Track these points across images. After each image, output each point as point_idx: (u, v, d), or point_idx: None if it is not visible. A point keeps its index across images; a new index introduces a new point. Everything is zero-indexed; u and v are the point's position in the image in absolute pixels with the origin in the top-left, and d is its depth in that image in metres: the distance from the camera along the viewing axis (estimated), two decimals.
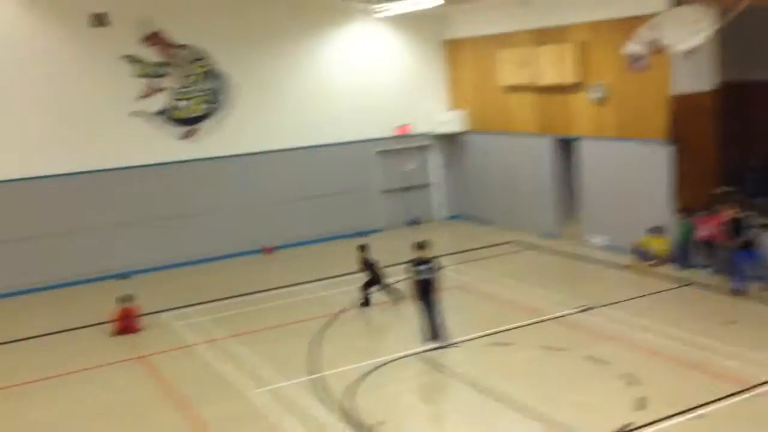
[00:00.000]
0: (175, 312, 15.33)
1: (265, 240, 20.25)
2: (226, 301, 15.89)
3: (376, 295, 14.74)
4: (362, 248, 14.95)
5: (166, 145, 19.20)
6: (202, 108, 19.66)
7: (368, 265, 14.78)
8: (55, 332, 14.67)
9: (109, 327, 14.35)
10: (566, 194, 19.40)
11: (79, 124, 18.22)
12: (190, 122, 19.55)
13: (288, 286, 16.66)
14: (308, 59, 20.78)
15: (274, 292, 15.88)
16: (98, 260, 18.43)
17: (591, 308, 13.75)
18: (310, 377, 11.49)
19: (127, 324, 14.26)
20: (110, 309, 14.54)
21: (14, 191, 17.58)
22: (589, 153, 18.15)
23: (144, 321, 14.56)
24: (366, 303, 14.75)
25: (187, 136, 19.52)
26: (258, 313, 15.03)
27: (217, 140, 19.78)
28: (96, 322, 14.79)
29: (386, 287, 14.79)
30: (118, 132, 18.61)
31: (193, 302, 15.88)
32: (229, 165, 19.94)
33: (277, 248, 20.35)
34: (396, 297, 14.68)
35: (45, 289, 17.74)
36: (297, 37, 20.58)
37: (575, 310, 13.72)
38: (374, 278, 14.73)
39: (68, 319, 15.28)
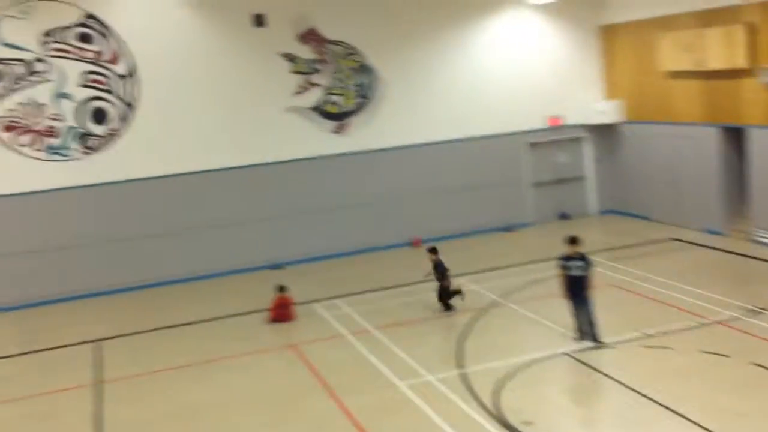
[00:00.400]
0: (327, 302, 15.76)
1: (412, 233, 20.39)
2: (375, 293, 16.14)
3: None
4: (433, 251, 14.69)
5: (319, 140, 19.78)
6: (353, 102, 20.08)
7: (440, 268, 14.45)
8: (214, 319, 15.51)
9: (265, 315, 14.99)
10: (734, 188, 18.09)
11: (241, 121, 19.15)
12: (341, 117, 20.03)
13: (435, 280, 16.65)
14: (457, 50, 20.64)
15: (422, 285, 15.95)
16: (255, 251, 19.29)
17: (761, 312, 12.72)
18: (457, 372, 11.43)
19: (282, 313, 14.84)
20: (266, 298, 15.19)
21: (180, 185, 18.75)
22: (760, 143, 16.79)
23: (298, 310, 15.09)
24: (448, 307, 14.44)
25: (338, 130, 20.02)
26: (406, 306, 15.14)
27: (367, 134, 20.13)
28: (252, 310, 15.50)
29: (449, 294, 14.40)
30: (276, 127, 19.39)
31: (343, 293, 16.25)
32: (378, 158, 20.23)
33: (426, 241, 20.42)
34: (447, 308, 14.36)
35: (206, 277, 18.82)
36: (446, 27, 20.50)
37: (742, 313, 12.74)
38: (442, 283, 14.41)
39: (226, 307, 16.13)
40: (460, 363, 11.79)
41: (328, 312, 15.14)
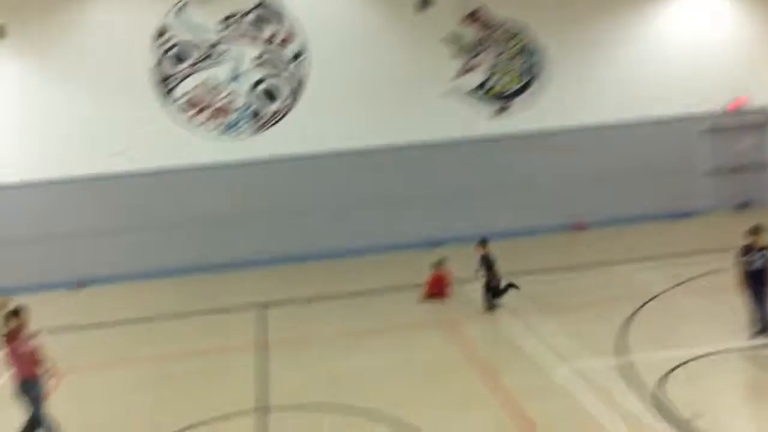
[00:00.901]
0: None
1: (574, 217, 19.72)
2: (535, 276, 15.77)
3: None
4: (483, 243, 13.84)
5: (480, 121, 19.56)
6: (516, 83, 19.67)
7: (487, 262, 13.65)
8: (372, 292, 15.81)
9: (421, 291, 15.08)
10: None
11: (403, 99, 19.32)
12: (504, 98, 19.68)
13: (599, 266, 16.05)
14: (631, 28, 19.68)
15: (583, 270, 15.40)
16: (414, 228, 19.48)
17: None
18: (617, 360, 10.92)
19: (438, 289, 14.86)
20: (424, 274, 15.27)
21: (344, 162, 19.26)
22: None
23: (454, 288, 15.05)
24: (492, 306, 13.71)
25: (500, 111, 19.69)
26: (566, 290, 14.68)
27: (530, 115, 19.67)
28: (410, 285, 15.64)
29: (498, 291, 13.66)
30: (437, 107, 19.39)
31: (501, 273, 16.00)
32: (541, 140, 19.70)
33: (589, 226, 19.70)
34: (491, 307, 13.60)
35: (366, 252, 19.21)
36: (620, 5, 19.56)
37: None
38: (490, 277, 13.64)
39: (384, 281, 16.39)
40: (622, 352, 11.24)
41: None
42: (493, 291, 13.74)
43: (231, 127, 18.90)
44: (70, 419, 10.52)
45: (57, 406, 10.96)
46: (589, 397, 9.77)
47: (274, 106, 19.01)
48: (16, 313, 9.62)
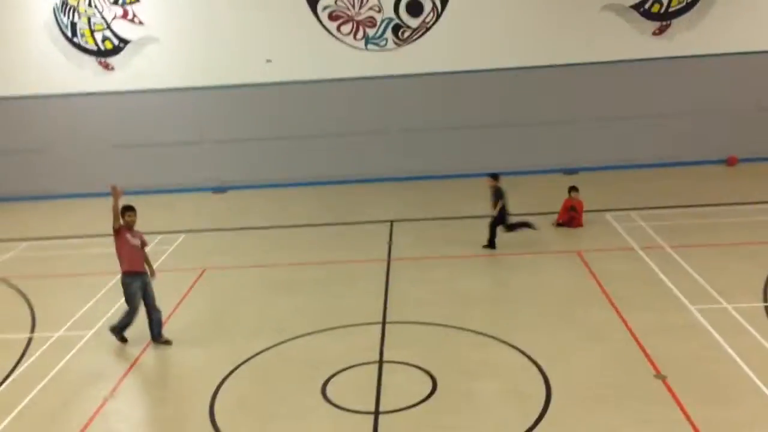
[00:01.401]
0: (619, 213, 14.95)
1: (729, 150, 18.33)
2: (674, 210, 14.92)
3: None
4: (494, 177, 13.25)
5: (636, 42, 18.31)
6: (680, 1, 18.13)
7: (499, 196, 13.04)
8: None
9: (552, 218, 14.66)
10: None
11: (553, 18, 18.40)
12: (665, 17, 18.25)
13: (750, 203, 14.92)
14: None
15: (731, 207, 14.36)
16: (549, 153, 18.87)
17: None
18: (760, 304, 10.20)
19: (570, 216, 14.40)
20: (556, 201, 14.82)
21: (484, 81, 18.76)
22: None
23: (587, 217, 14.52)
24: (491, 245, 13.23)
25: (660, 31, 18.30)
26: (709, 228, 13.80)
27: (692, 37, 18.17)
28: (540, 212, 15.25)
29: (511, 226, 13.17)
30: (590, 26, 18.32)
31: (638, 206, 15.28)
32: (703, 65, 18.23)
33: (745, 161, 18.28)
34: (490, 245, 13.15)
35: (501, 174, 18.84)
36: None
37: None
38: (501, 212, 13.06)
39: (514, 206, 16.03)
40: (765, 295, 10.48)
41: (620, 223, 14.35)
42: (500, 226, 13.25)
43: (373, 40, 18.79)
44: (203, 315, 11.23)
45: (192, 302, 11.74)
46: (722, 338, 9.23)
47: (416, 21, 18.66)
48: (129, 209, 10.00)
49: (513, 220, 13.42)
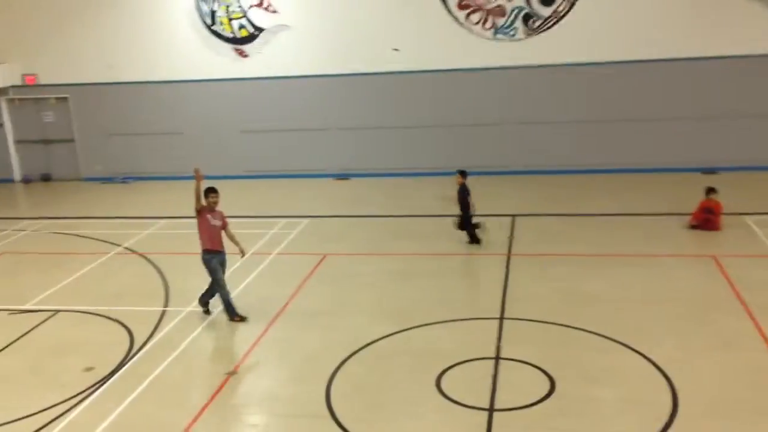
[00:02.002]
0: (762, 217, 14.01)
1: None
2: None
3: None
4: (463, 174, 13.38)
5: None
6: None
7: (460, 195, 13.20)
8: (629, 214, 14.95)
9: (686, 219, 13.93)
10: None
11: (690, 8, 17.44)
12: None
13: None
14: None
15: None
16: (686, 150, 17.93)
17: None
18: None
19: (706, 218, 13.62)
20: (691, 202, 14.06)
21: (611, 73, 18.03)
22: None
23: (725, 221, 13.69)
24: (473, 239, 13.40)
25: None
26: None
27: None
28: (673, 212, 14.52)
29: (471, 225, 13.30)
30: (737, 16, 17.21)
31: None
32: None
33: None
34: (472, 240, 13.33)
35: (627, 171, 18.14)
36: None
37: None
38: (463, 210, 13.23)
39: (644, 204, 15.40)
40: None
41: (762, 228, 13.43)
42: (463, 221, 13.39)
43: (502, 30, 18.46)
44: (322, 300, 11.45)
45: (312, 287, 11.99)
46: None
47: (548, 10, 18.16)
48: (213, 190, 10.56)
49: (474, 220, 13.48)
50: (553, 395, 8.18)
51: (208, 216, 10.51)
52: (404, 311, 10.72)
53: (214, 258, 10.55)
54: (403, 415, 7.98)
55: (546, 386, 8.35)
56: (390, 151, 19.52)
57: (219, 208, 10.69)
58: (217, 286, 10.65)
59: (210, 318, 10.82)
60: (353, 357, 9.35)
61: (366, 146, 19.65)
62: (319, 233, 14.91)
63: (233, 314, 10.61)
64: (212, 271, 10.58)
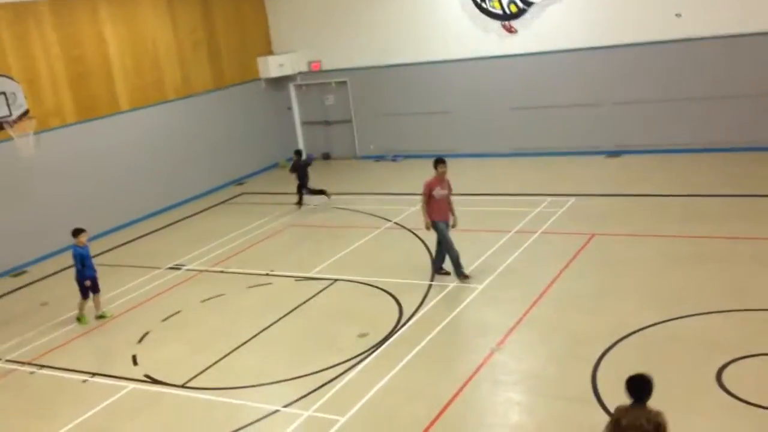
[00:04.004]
0: None
1: None
2: None
3: None
4: (298, 153, 17.37)
5: None
6: None
7: (297, 168, 17.11)
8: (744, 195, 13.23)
9: None
10: None
11: None
12: None
13: None
14: None
15: None
16: None
17: None
18: None
19: None
20: None
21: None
22: None
23: None
24: (300, 203, 17.14)
25: None
26: None
27: None
28: None
29: (310, 190, 17.06)
30: None
31: None
32: None
33: None
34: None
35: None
36: None
37: None
38: (301, 181, 17.03)
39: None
40: None
41: None
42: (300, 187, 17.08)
43: None
44: (590, 281, 11.03)
45: (578, 267, 11.60)
46: None
47: None
48: (441, 161, 11.37)
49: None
50: None
51: (437, 189, 11.31)
52: (678, 298, 9.97)
53: (440, 224, 11.46)
54: (680, 410, 7.41)
55: None
56: (666, 125, 18.10)
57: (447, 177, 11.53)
58: (449, 249, 11.43)
59: (473, 294, 10.96)
60: (621, 342, 8.91)
61: (641, 121, 18.41)
62: (587, 212, 14.36)
63: (460, 270, 11.47)
64: (442, 235, 11.43)
